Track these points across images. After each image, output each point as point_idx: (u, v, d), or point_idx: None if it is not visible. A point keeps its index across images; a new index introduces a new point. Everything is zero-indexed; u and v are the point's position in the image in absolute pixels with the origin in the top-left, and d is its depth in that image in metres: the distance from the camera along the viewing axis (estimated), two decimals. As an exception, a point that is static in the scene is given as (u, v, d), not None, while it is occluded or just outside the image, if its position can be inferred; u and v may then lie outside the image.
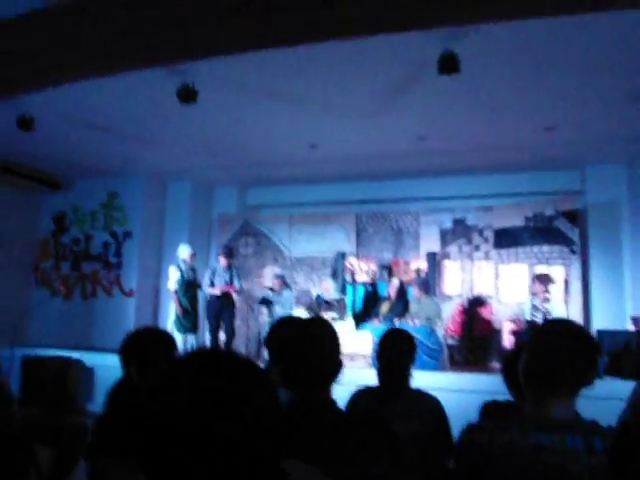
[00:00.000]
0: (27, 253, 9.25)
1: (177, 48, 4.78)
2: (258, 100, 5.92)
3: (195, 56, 4.80)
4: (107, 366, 7.15)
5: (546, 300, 6.69)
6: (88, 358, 7.43)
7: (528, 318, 6.74)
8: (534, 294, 6.82)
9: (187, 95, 5.30)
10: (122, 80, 5.24)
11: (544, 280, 6.79)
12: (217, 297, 7.64)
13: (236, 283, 7.73)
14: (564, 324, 1.67)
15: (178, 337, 7.42)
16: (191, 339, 7.56)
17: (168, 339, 2.20)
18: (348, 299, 8.30)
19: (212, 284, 7.67)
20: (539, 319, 6.57)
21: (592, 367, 1.54)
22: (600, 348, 1.59)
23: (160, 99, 5.74)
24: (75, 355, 7.32)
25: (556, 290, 7.35)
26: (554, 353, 1.52)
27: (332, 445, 1.53)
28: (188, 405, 0.76)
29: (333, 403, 1.66)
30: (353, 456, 1.54)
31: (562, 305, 6.64)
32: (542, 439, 1.48)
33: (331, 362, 1.70)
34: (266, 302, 7.92)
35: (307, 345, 1.69)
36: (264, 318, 8.01)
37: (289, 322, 2.96)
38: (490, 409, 2.42)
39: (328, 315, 7.47)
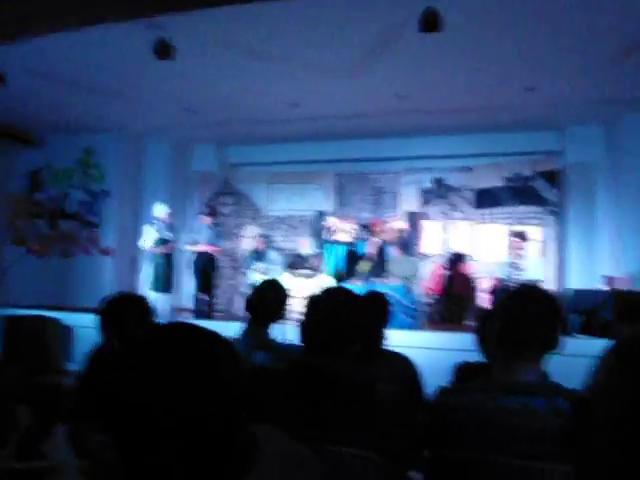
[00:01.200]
0: (1, 210, 9.09)
1: (153, 1, 4.64)
2: (238, 57, 5.79)
3: (171, 9, 4.66)
4: (85, 326, 7.13)
5: (519, 257, 6.79)
6: (66, 317, 7.39)
7: (504, 276, 6.86)
8: (511, 251, 6.93)
9: (164, 51, 5.18)
10: (97, 34, 5.09)
11: (519, 237, 6.92)
12: (201, 255, 7.63)
13: (219, 242, 7.73)
14: (530, 290, 1.71)
15: (154, 296, 7.42)
16: (167, 298, 7.56)
17: (144, 305, 2.22)
18: (328, 258, 8.34)
19: (195, 242, 7.65)
20: (514, 276, 6.68)
21: (556, 332, 1.59)
22: (562, 314, 1.63)
23: (136, 54, 5.58)
24: (53, 314, 7.28)
25: (532, 250, 7.47)
26: (520, 319, 1.56)
27: (331, 411, 1.59)
28: (153, 382, 0.78)
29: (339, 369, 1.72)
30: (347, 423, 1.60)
31: (539, 265, 6.76)
32: (507, 402, 1.53)
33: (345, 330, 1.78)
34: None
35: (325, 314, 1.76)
36: (246, 278, 8.01)
37: (272, 285, 3.00)
38: (462, 370, 2.49)
39: (303, 271, 7.50)
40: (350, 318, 1.77)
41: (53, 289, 8.46)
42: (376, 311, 2.61)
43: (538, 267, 7.09)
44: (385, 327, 2.65)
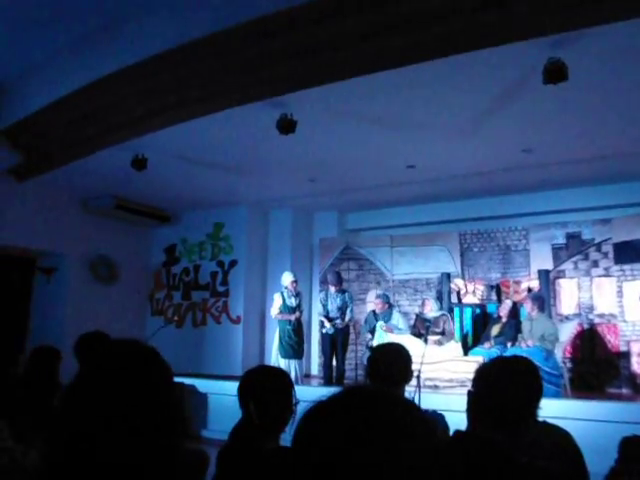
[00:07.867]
0: (142, 283, 9.78)
1: (278, 82, 4.92)
2: (354, 124, 5.91)
3: (295, 88, 4.91)
4: (218, 393, 7.33)
5: None
6: (200, 384, 7.66)
7: None
8: None
9: (286, 126, 5.40)
10: (224, 115, 5.44)
11: None
12: (330, 331, 7.78)
13: (349, 312, 7.83)
14: None
15: (284, 363, 7.48)
16: (295, 365, 7.59)
17: (284, 378, 2.21)
18: (455, 322, 8.01)
19: (326, 311, 7.83)
20: None
21: None
22: None
23: (260, 131, 5.89)
24: (189, 381, 7.57)
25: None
26: None
27: None
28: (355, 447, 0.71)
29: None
30: None
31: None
32: None
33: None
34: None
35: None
36: (368, 343, 7.87)
37: (393, 346, 2.89)
38: (631, 446, 2.17)
39: (433, 337, 7.20)
40: (526, 392, 1.65)
41: (188, 357, 8.81)
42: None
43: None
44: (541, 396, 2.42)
